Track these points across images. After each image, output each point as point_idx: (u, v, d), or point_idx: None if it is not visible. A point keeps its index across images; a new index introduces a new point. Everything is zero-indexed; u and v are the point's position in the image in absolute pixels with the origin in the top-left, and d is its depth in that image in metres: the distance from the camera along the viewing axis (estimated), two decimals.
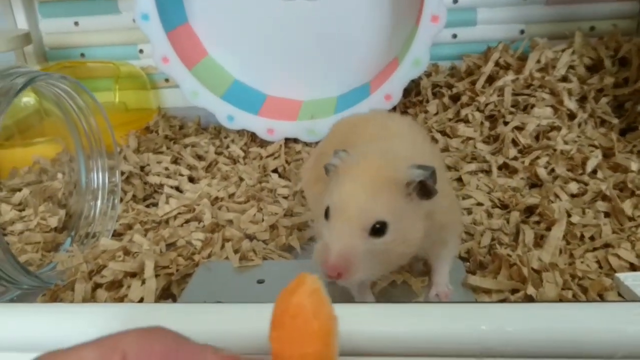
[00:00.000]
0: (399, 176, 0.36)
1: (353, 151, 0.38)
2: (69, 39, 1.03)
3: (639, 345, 0.30)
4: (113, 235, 0.62)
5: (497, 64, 0.82)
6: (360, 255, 0.34)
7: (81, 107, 0.59)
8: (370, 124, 0.48)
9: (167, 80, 1.03)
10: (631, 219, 0.54)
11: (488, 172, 0.67)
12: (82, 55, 1.03)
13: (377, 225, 0.35)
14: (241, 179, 0.76)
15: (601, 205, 0.56)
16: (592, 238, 0.52)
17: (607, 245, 0.51)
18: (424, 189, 0.37)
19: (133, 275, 0.50)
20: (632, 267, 0.49)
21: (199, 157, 0.82)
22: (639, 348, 0.31)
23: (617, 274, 0.47)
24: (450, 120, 0.79)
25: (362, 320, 0.32)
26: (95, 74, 1.00)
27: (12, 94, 0.46)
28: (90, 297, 0.47)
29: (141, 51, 1.02)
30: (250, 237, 0.59)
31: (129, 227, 0.63)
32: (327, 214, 0.36)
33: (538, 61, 0.78)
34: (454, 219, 0.44)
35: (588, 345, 0.31)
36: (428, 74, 0.90)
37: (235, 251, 0.55)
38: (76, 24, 1.01)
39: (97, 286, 0.49)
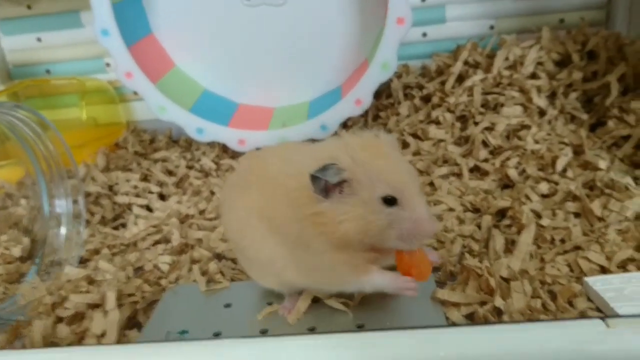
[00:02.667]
0: (393, 143, 0.43)
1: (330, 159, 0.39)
2: (33, 55, 1.00)
3: None
4: (80, 262, 0.60)
5: (466, 62, 0.81)
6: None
7: (37, 133, 0.57)
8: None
9: (136, 92, 1.01)
10: (600, 219, 0.53)
11: (459, 175, 0.66)
12: (48, 71, 1.01)
13: None
14: (212, 193, 0.74)
15: (571, 206, 0.56)
16: (562, 241, 0.52)
17: (577, 248, 0.51)
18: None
19: (97, 306, 0.49)
20: (602, 270, 0.48)
21: (170, 173, 0.81)
22: None
23: (586, 279, 0.46)
24: (421, 122, 0.78)
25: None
26: (61, 91, 0.98)
27: None
28: (51, 334, 0.46)
29: (108, 64, 1.00)
30: (220, 257, 0.58)
31: (96, 252, 0.61)
32: (389, 202, 0.38)
33: (506, 59, 0.78)
34: None
35: None
36: (399, 75, 0.89)
37: (203, 273, 0.53)
38: (39, 39, 0.99)
39: (59, 320, 0.48)
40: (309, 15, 0.87)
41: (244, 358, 0.32)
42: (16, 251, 0.59)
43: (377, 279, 0.41)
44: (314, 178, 0.38)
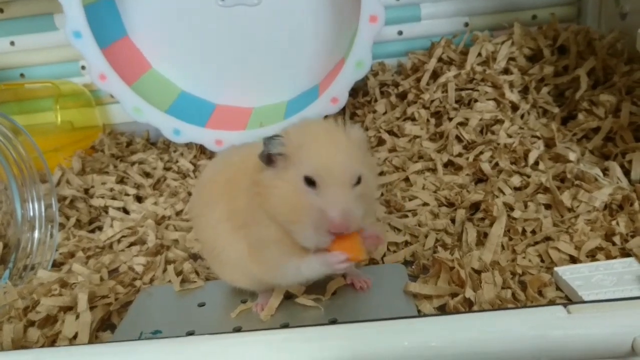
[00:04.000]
0: (356, 135, 0.41)
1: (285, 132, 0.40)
2: (5, 59, 0.99)
3: (560, 348, 0.30)
4: (53, 265, 0.60)
5: (440, 59, 0.82)
6: (355, 206, 0.38)
7: (7, 137, 0.57)
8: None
9: (112, 95, 1.00)
10: (570, 209, 0.54)
11: (434, 171, 0.67)
12: (22, 75, 1.00)
13: (358, 178, 0.39)
14: (190, 194, 0.74)
15: (542, 198, 0.57)
16: (533, 232, 0.53)
17: (547, 239, 0.51)
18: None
19: (69, 309, 0.48)
20: (572, 259, 0.49)
21: (147, 174, 0.80)
22: (561, 351, 0.30)
23: (556, 269, 0.47)
24: (397, 119, 0.79)
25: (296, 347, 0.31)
26: (35, 95, 0.97)
27: None
28: (22, 338, 0.45)
29: (83, 67, 0.99)
30: (195, 257, 0.58)
31: (71, 255, 0.61)
32: (311, 182, 0.38)
33: (479, 54, 0.78)
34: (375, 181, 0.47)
35: (513, 353, 0.31)
36: (375, 73, 0.89)
37: (178, 273, 0.53)
38: (12, 43, 0.98)
39: (30, 324, 0.47)
40: (284, 15, 0.87)
41: (215, 353, 0.32)
42: None
43: (312, 261, 0.41)
44: (263, 145, 0.39)
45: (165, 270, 0.55)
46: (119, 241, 0.63)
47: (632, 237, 0.49)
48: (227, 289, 0.50)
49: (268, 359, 0.31)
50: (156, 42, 0.90)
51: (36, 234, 0.60)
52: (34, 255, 0.59)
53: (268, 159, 0.39)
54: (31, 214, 0.61)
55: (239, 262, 0.44)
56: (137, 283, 0.53)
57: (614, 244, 0.49)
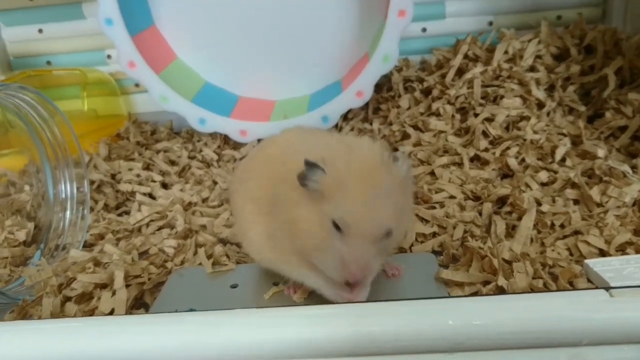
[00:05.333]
0: (403, 172, 0.39)
1: (328, 160, 0.38)
2: (33, 46, 1.01)
3: (603, 331, 0.31)
4: (84, 246, 0.61)
5: (466, 56, 0.82)
6: (374, 261, 0.38)
7: (44, 117, 0.58)
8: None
9: (137, 85, 1.01)
10: (599, 205, 0.54)
11: (460, 165, 0.67)
12: (49, 62, 1.01)
13: (387, 232, 0.38)
14: (215, 183, 0.75)
15: (570, 193, 0.57)
16: (562, 226, 0.53)
17: (576, 232, 0.52)
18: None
19: (103, 286, 0.49)
20: (601, 253, 0.49)
21: (172, 162, 0.81)
22: (603, 334, 0.31)
23: (586, 261, 0.47)
24: (422, 114, 0.79)
25: (335, 322, 0.32)
26: (63, 82, 0.98)
27: None
28: (60, 312, 0.46)
29: (109, 56, 1.00)
30: (224, 242, 0.58)
31: (101, 237, 0.62)
32: (337, 226, 0.37)
33: (506, 52, 0.79)
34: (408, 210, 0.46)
35: (554, 334, 0.31)
36: (399, 69, 0.90)
37: (209, 256, 0.54)
38: (40, 31, 0.99)
39: (66, 299, 0.48)
40: (310, 9, 0.88)
41: (255, 326, 0.32)
42: (20, 235, 0.60)
43: (321, 284, 0.42)
44: (304, 166, 0.38)
45: (195, 252, 0.55)
46: (147, 225, 0.64)
47: None
48: (259, 272, 0.51)
49: (311, 332, 0.32)
50: (182, 33, 0.91)
51: (67, 215, 0.61)
52: (65, 236, 0.60)
53: (304, 181, 0.39)
54: (63, 195, 0.62)
55: (260, 245, 0.45)
56: (169, 265, 0.54)
57: None
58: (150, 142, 0.88)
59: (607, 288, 0.32)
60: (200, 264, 0.54)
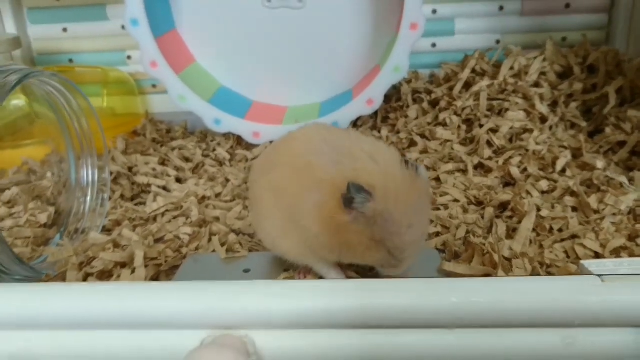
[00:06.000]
0: (424, 179, 0.43)
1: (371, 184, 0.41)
2: (57, 45, 1.04)
3: (594, 314, 0.33)
4: (102, 231, 0.63)
5: (473, 70, 0.86)
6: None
7: (73, 108, 0.61)
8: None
9: (154, 86, 1.05)
10: (596, 212, 0.57)
11: (464, 172, 0.70)
12: (71, 61, 1.05)
13: None
14: (227, 180, 0.78)
15: (569, 201, 0.60)
16: (560, 230, 0.56)
17: (574, 236, 0.54)
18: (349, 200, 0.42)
19: (123, 265, 0.52)
20: (597, 256, 0.52)
21: (186, 159, 0.84)
22: (594, 317, 0.33)
23: (582, 261, 0.49)
24: (429, 124, 0.82)
25: (342, 295, 0.35)
26: (84, 80, 1.01)
27: (7, 90, 0.48)
28: None
29: (129, 57, 1.04)
30: (237, 232, 0.61)
31: (118, 223, 0.65)
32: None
33: (512, 68, 0.82)
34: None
35: (549, 315, 0.34)
36: (408, 81, 0.93)
37: (222, 244, 0.57)
38: (65, 30, 1.03)
39: (87, 275, 0.51)
40: (325, 20, 0.92)
41: (273, 294, 0.35)
42: (42, 218, 0.62)
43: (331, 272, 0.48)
44: (348, 190, 0.40)
45: (210, 240, 0.58)
46: (163, 214, 0.66)
47: None
48: (271, 258, 0.53)
49: (322, 303, 0.34)
50: (201, 38, 0.95)
51: (88, 201, 0.64)
52: (85, 220, 0.63)
53: (350, 206, 0.41)
54: (84, 182, 0.65)
55: (274, 235, 0.48)
56: (184, 250, 0.57)
57: (637, 245, 0.52)
58: (166, 140, 0.91)
59: (600, 275, 0.35)
60: (214, 250, 0.56)
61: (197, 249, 0.57)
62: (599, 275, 0.35)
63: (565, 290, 0.34)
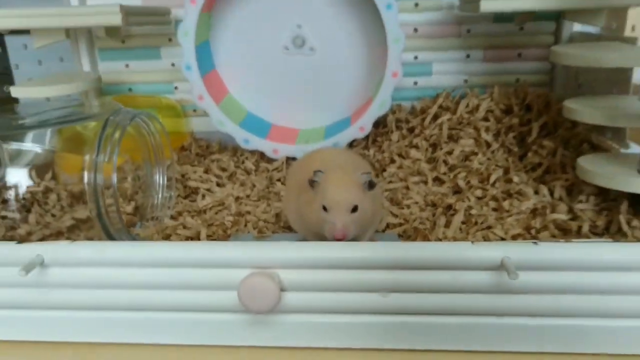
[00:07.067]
0: (358, 179, 0.66)
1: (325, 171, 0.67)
2: (120, 77, 1.33)
3: (465, 262, 0.60)
4: (170, 219, 0.91)
5: (440, 106, 1.13)
6: (350, 224, 0.61)
7: (151, 130, 0.89)
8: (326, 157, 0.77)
9: (194, 110, 1.33)
10: (507, 211, 0.83)
11: (426, 183, 0.97)
12: (130, 90, 1.34)
13: (354, 207, 0.61)
14: (254, 185, 1.05)
15: (492, 204, 0.86)
16: (482, 223, 0.82)
17: (489, 227, 0.81)
18: (370, 185, 0.67)
19: (191, 239, 0.80)
20: (502, 239, 0.78)
21: (223, 169, 1.12)
22: (466, 264, 0.60)
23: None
24: (406, 146, 1.09)
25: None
26: (141, 105, 1.30)
27: (125, 126, 0.76)
28: None
29: (176, 88, 1.32)
30: (264, 221, 0.89)
31: (180, 214, 0.92)
32: (325, 208, 0.61)
33: (467, 105, 1.09)
34: (380, 206, 0.75)
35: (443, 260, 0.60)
36: (393, 112, 1.20)
37: (254, 228, 0.84)
38: (127, 66, 1.32)
39: None
40: (330, 63, 1.19)
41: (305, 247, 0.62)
42: (128, 208, 0.90)
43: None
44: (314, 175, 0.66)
45: (245, 225, 0.86)
46: (210, 208, 0.94)
47: (542, 230, 0.79)
48: (287, 238, 0.80)
49: (324, 251, 0.62)
50: (233, 75, 1.23)
51: (159, 197, 0.92)
52: (157, 211, 0.91)
53: (311, 184, 0.66)
54: (157, 184, 0.93)
55: (292, 216, 0.75)
56: (228, 232, 0.84)
57: (529, 233, 0.79)
58: (206, 154, 1.19)
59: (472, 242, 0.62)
60: (248, 232, 0.84)
61: (237, 231, 0.85)
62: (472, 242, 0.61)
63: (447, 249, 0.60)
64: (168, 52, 1.30)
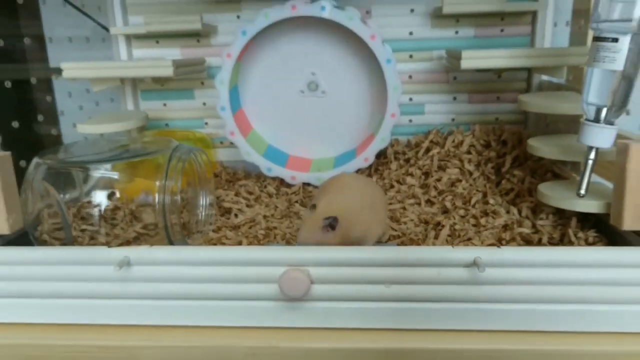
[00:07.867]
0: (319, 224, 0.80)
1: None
2: (158, 114, 1.55)
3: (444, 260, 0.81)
4: (212, 232, 1.12)
5: (431, 141, 1.35)
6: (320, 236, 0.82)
7: (198, 160, 1.11)
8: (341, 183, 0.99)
9: (221, 142, 1.55)
10: (484, 226, 1.05)
11: (419, 204, 1.19)
12: (167, 125, 1.56)
13: (330, 224, 0.80)
14: (276, 207, 1.26)
15: (472, 221, 1.08)
16: (463, 236, 1.03)
17: (469, 239, 1.02)
18: (331, 226, 0.87)
19: None
20: None
21: (249, 193, 1.33)
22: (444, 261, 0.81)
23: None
24: (403, 174, 1.31)
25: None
26: (177, 138, 1.51)
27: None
28: None
29: (206, 123, 1.55)
30: (287, 234, 1.10)
31: (219, 228, 1.13)
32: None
33: (453, 141, 1.31)
34: (384, 224, 0.97)
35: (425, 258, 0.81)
36: (392, 145, 1.42)
37: (282, 239, 1.05)
38: (164, 105, 1.54)
39: None
40: (339, 103, 1.41)
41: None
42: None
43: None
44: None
45: (275, 237, 1.07)
46: (243, 224, 1.15)
47: (511, 242, 1.00)
48: None
49: (345, 253, 0.83)
50: (257, 113, 1.45)
51: (203, 214, 1.13)
52: (201, 226, 1.12)
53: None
54: (201, 204, 1.14)
55: None
56: (261, 243, 1.05)
57: (500, 243, 1.00)
58: (234, 180, 1.40)
59: (453, 246, 0.82)
60: (277, 242, 1.04)
61: (268, 241, 1.06)
62: (452, 246, 0.82)
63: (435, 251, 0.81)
64: (201, 93, 1.53)
